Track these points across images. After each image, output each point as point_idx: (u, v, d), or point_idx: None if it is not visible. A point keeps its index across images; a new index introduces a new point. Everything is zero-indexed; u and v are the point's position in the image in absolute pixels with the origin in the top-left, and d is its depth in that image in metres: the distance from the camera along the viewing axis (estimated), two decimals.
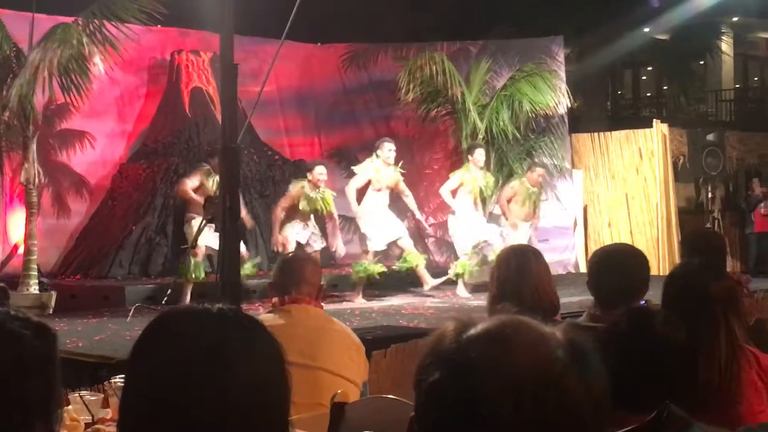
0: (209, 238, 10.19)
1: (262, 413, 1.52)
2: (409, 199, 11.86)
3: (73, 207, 12.87)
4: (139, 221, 12.84)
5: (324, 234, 11.62)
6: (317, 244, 11.33)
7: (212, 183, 10.73)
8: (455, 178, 12.01)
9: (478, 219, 12.22)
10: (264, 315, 3.92)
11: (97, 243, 12.77)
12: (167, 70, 14.17)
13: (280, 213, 11.18)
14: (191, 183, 11.15)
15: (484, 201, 12.51)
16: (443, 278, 11.76)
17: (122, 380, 2.67)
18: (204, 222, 9.51)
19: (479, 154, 12.07)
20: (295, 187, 11.20)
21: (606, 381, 1.32)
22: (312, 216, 11.27)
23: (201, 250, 10.47)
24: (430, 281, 11.64)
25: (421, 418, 1.32)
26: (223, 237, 6.91)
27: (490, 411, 1.25)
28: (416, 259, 11.61)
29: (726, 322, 3.26)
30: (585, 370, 1.29)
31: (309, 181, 11.10)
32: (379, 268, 11.32)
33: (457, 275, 11.84)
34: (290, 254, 4.82)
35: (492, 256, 11.72)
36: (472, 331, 1.32)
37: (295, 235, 11.10)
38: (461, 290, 11.86)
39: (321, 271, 4.42)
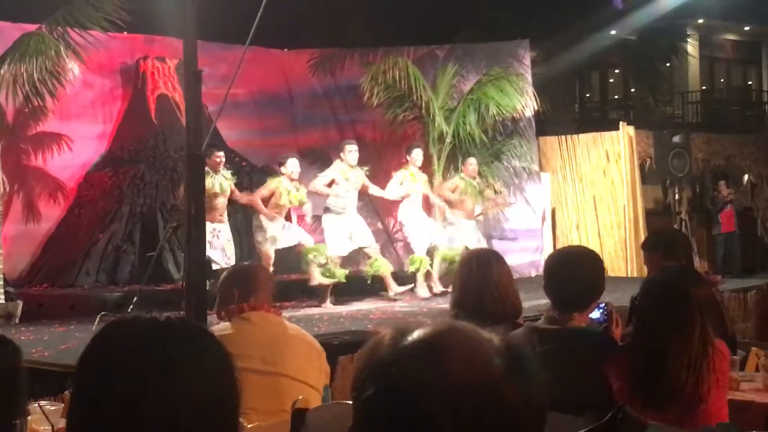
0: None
1: (212, 423, 1.52)
2: (374, 188, 12.06)
3: (46, 212, 12.77)
4: (105, 229, 12.78)
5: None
6: (291, 239, 11.40)
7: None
8: (397, 176, 12.25)
9: (427, 221, 12.44)
10: (222, 324, 3.92)
11: (64, 251, 12.69)
12: (133, 77, 14.12)
13: (258, 199, 11.24)
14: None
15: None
16: (409, 286, 11.96)
17: None
18: (169, 230, 9.49)
19: (417, 154, 12.34)
20: (272, 182, 11.27)
21: (545, 386, 1.31)
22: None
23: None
24: (395, 288, 11.80)
25: None
26: (189, 244, 6.92)
27: (427, 425, 1.23)
28: (383, 268, 11.74)
29: (701, 323, 3.36)
30: (523, 377, 1.28)
31: (284, 175, 11.19)
32: (342, 272, 11.40)
33: (415, 271, 12.02)
34: (244, 263, 4.82)
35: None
36: (407, 341, 1.30)
37: (279, 233, 11.18)
38: (421, 290, 11.98)
39: (272, 278, 4.47)
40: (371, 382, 1.28)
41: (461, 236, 12.40)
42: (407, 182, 12.23)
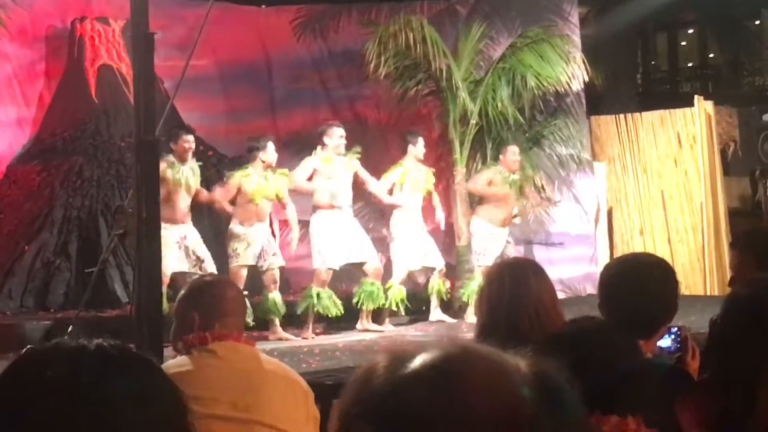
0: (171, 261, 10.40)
1: None
2: (373, 185, 12.10)
3: None
4: (33, 240, 12.78)
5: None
6: (275, 260, 11.41)
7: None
8: (388, 179, 12.28)
9: (423, 239, 12.43)
10: (181, 358, 3.89)
11: None
12: (67, 44, 14.11)
13: (229, 207, 11.26)
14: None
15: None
16: (383, 328, 11.92)
17: None
18: (114, 238, 9.47)
19: (422, 145, 12.33)
20: (235, 176, 11.28)
21: (584, 419, 1.32)
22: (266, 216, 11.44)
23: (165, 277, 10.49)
24: (366, 324, 11.89)
25: None
26: (139, 257, 6.91)
27: None
28: (372, 298, 11.76)
29: None
30: (558, 411, 1.27)
31: (263, 162, 11.20)
32: (333, 305, 11.41)
33: (382, 306, 12.03)
34: (207, 277, 4.78)
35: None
36: (409, 368, 1.28)
37: (252, 259, 11.19)
38: (367, 324, 11.99)
39: (244, 298, 4.44)
40: (364, 419, 1.27)
41: (488, 250, 12.44)
42: (399, 185, 12.23)
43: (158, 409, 1.53)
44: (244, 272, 11.17)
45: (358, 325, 11.83)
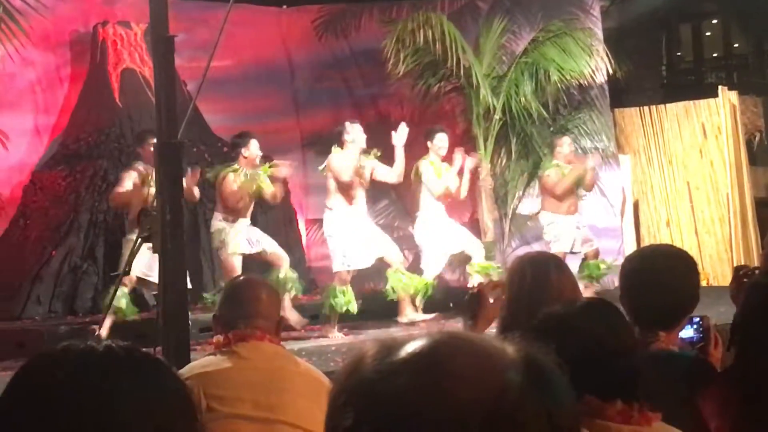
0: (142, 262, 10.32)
1: None
2: (390, 173, 11.74)
3: None
4: (60, 244, 12.81)
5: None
6: (267, 245, 11.33)
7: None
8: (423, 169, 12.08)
9: (448, 223, 12.31)
10: (205, 358, 3.90)
11: (7, 275, 12.73)
12: (89, 48, 14.14)
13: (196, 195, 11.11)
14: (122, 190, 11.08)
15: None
16: (431, 315, 11.78)
17: None
18: (139, 240, 9.47)
19: (440, 140, 12.13)
20: (224, 173, 11.13)
21: (574, 405, 1.31)
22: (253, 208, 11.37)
23: (131, 278, 10.41)
24: (410, 313, 11.72)
25: None
26: (164, 260, 6.92)
27: None
28: (403, 285, 11.64)
29: None
30: (546, 395, 1.27)
31: (245, 158, 11.07)
32: (353, 304, 11.29)
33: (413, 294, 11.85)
34: (240, 278, 4.78)
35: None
36: (396, 356, 1.29)
37: (243, 246, 11.11)
38: (411, 314, 11.82)
39: (280, 299, 4.42)
40: (351, 407, 1.28)
41: (559, 236, 12.50)
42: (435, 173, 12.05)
43: (165, 408, 1.53)
44: (237, 262, 11.04)
45: (402, 318, 11.66)
